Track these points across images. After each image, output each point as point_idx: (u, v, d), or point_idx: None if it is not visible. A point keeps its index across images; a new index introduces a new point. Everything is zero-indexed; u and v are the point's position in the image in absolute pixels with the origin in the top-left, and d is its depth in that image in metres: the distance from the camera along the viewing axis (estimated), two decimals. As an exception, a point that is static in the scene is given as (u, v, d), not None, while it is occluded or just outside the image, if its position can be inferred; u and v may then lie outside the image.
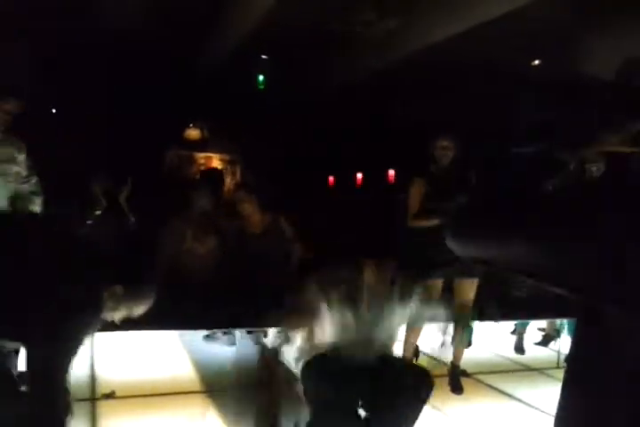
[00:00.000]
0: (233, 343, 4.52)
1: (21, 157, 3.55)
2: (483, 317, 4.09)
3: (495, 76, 7.10)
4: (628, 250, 0.68)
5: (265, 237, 4.29)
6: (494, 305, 3.92)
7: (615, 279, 0.70)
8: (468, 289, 3.74)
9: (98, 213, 4.68)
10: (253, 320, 3.70)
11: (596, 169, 2.97)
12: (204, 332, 4.48)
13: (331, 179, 9.52)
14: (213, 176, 7.59)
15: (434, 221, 3.52)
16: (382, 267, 2.78)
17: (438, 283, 3.70)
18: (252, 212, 4.35)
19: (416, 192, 3.78)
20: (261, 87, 8.75)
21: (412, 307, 2.70)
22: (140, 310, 2.21)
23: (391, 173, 9.43)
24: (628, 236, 0.68)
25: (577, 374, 0.91)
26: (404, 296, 2.68)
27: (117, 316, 2.17)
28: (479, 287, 3.77)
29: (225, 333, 4.47)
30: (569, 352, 1.00)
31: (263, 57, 8.18)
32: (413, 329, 3.65)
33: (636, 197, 0.74)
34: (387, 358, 2.72)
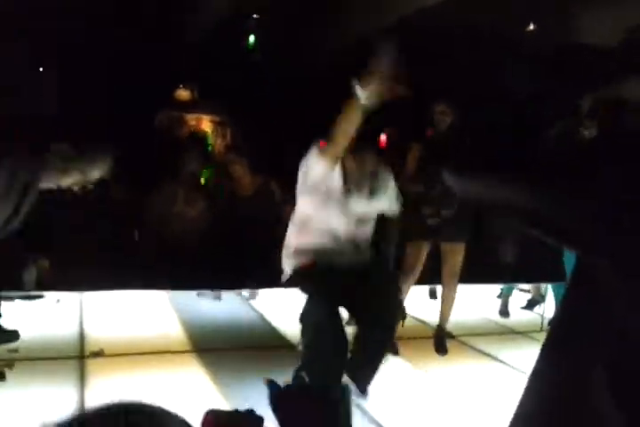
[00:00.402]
0: (218, 298, 4.63)
1: None
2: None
3: (493, 41, 6.99)
4: (623, 203, 0.67)
5: (256, 199, 4.28)
6: None
7: (609, 231, 0.69)
8: (457, 254, 3.76)
9: None
10: (243, 282, 3.72)
11: (588, 133, 2.97)
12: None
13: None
14: (202, 138, 7.50)
15: (428, 185, 3.55)
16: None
17: (425, 246, 3.73)
18: (242, 174, 4.33)
19: (412, 156, 3.78)
20: (252, 47, 8.57)
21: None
22: (93, 174, 1.98)
23: (383, 137, 9.34)
24: (624, 188, 0.67)
25: (561, 332, 0.90)
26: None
27: (68, 180, 1.94)
28: (466, 252, 3.79)
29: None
30: (555, 313, 1.00)
31: (254, 16, 7.98)
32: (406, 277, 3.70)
33: (630, 151, 0.73)
34: (373, 261, 2.83)
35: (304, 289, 2.66)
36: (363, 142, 2.66)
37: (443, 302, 3.89)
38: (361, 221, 2.77)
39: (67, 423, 0.61)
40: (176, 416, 0.69)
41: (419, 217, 3.62)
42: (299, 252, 2.73)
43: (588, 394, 0.77)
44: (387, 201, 2.88)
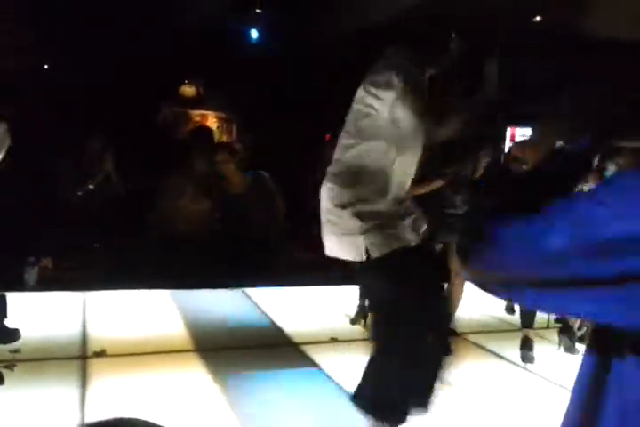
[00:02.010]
0: None
1: None
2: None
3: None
4: None
5: (247, 197, 4.28)
6: None
7: None
8: None
9: None
10: (240, 280, 3.71)
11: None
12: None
13: (327, 136, 9.39)
14: (205, 135, 7.48)
15: (433, 187, 3.50)
16: None
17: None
18: (232, 173, 4.35)
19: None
20: (255, 42, 8.53)
21: None
22: None
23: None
24: None
25: None
26: None
27: None
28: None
29: None
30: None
31: (257, 11, 7.94)
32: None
33: None
34: None
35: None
36: None
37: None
38: None
39: None
40: None
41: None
42: None
43: None
44: None
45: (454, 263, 3.73)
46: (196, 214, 4.30)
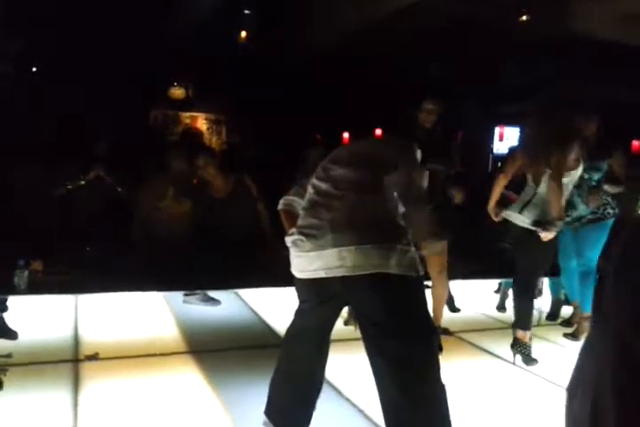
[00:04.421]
0: (206, 300, 4.51)
1: None
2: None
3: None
4: None
5: (230, 201, 4.29)
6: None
7: None
8: (440, 252, 3.71)
9: None
10: (234, 281, 3.71)
11: None
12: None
13: (318, 137, 9.39)
14: (193, 137, 7.49)
15: None
16: None
17: None
18: (213, 177, 4.35)
19: None
20: (245, 43, 8.52)
21: None
22: None
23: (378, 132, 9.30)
24: None
25: None
26: None
27: None
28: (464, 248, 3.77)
29: None
30: None
31: (246, 12, 7.94)
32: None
33: None
34: None
35: None
36: None
37: (433, 300, 3.84)
38: None
39: None
40: None
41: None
42: None
43: None
44: None
45: (435, 264, 3.73)
46: (178, 216, 4.31)
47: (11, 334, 3.55)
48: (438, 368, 2.11)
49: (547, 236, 3.38)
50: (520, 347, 3.54)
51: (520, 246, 3.63)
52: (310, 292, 2.29)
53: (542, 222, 3.41)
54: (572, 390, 1.05)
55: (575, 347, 3.92)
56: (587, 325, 4.07)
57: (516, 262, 3.66)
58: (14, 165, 4.24)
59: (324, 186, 2.27)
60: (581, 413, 0.95)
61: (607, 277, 0.91)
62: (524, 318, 3.59)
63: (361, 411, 2.83)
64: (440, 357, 2.18)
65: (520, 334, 3.55)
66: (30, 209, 3.92)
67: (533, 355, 3.53)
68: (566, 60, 7.99)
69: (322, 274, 2.15)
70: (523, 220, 3.50)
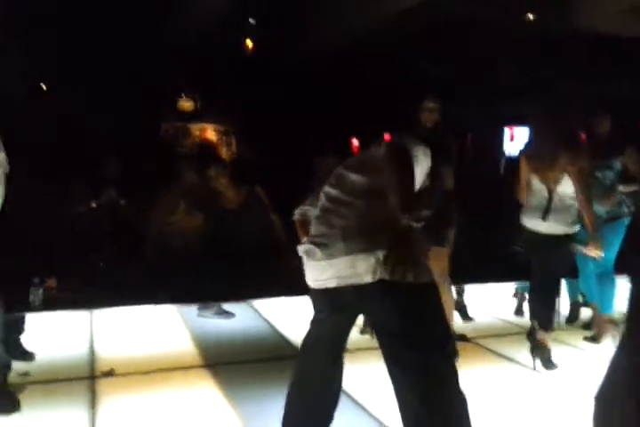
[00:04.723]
0: (220, 313, 4.48)
1: None
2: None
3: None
4: None
5: (242, 212, 4.27)
6: None
7: None
8: (441, 258, 3.66)
9: None
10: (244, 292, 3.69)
11: None
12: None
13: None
14: (207, 149, 7.52)
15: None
16: None
17: None
18: (225, 188, 4.34)
19: None
20: (250, 52, 8.55)
21: None
22: None
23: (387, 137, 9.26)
24: None
25: None
26: None
27: None
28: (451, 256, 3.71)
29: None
30: None
31: (250, 21, 7.97)
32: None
33: None
34: None
35: None
36: None
37: None
38: None
39: None
40: None
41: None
42: None
43: None
44: None
45: (436, 270, 3.67)
46: (191, 230, 4.31)
47: (27, 356, 3.54)
48: (456, 376, 2.07)
49: (592, 252, 3.40)
50: (540, 350, 3.48)
51: (543, 251, 3.56)
52: (324, 301, 2.27)
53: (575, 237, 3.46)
54: (605, 401, 1.01)
55: (596, 350, 3.86)
56: (607, 327, 4.01)
57: (536, 266, 3.60)
58: (29, 183, 4.27)
59: (333, 192, 2.25)
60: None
61: None
62: (546, 319, 3.53)
63: (379, 422, 2.79)
64: (457, 363, 2.14)
65: (541, 335, 3.49)
66: (43, 227, 3.94)
67: (553, 359, 3.48)
68: (574, 58, 7.93)
69: (334, 283, 2.13)
70: (554, 227, 3.46)
